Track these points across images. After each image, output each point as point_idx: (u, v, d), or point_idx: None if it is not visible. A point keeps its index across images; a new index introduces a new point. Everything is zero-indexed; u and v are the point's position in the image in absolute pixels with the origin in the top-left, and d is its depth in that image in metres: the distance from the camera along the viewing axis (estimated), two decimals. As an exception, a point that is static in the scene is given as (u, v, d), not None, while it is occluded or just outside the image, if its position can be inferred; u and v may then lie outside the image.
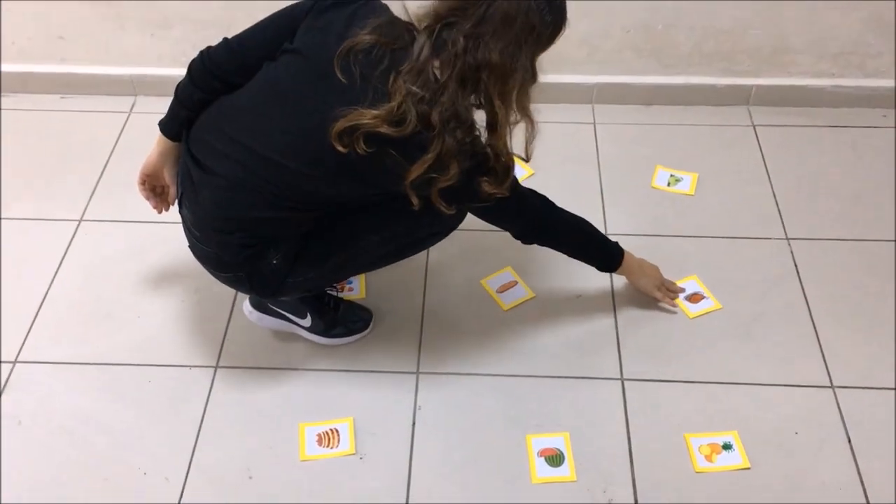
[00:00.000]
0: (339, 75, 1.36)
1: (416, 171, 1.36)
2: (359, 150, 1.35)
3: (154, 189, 1.73)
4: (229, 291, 1.99)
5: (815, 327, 1.90)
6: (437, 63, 1.34)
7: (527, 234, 1.68)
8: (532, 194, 1.64)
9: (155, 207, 1.76)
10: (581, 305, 1.96)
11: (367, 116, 1.33)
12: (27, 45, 2.46)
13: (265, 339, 1.90)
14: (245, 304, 1.88)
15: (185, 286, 2.01)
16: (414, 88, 1.32)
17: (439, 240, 1.75)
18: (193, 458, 1.70)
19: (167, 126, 1.64)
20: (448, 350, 1.87)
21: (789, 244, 2.09)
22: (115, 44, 2.44)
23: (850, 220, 2.14)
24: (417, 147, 1.35)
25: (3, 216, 2.18)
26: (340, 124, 1.34)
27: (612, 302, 1.96)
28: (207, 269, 1.67)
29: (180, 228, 2.11)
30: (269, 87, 1.48)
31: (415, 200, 1.42)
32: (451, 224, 1.69)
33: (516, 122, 1.42)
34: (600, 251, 1.81)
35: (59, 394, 1.80)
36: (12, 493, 1.64)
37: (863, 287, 1.98)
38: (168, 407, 1.78)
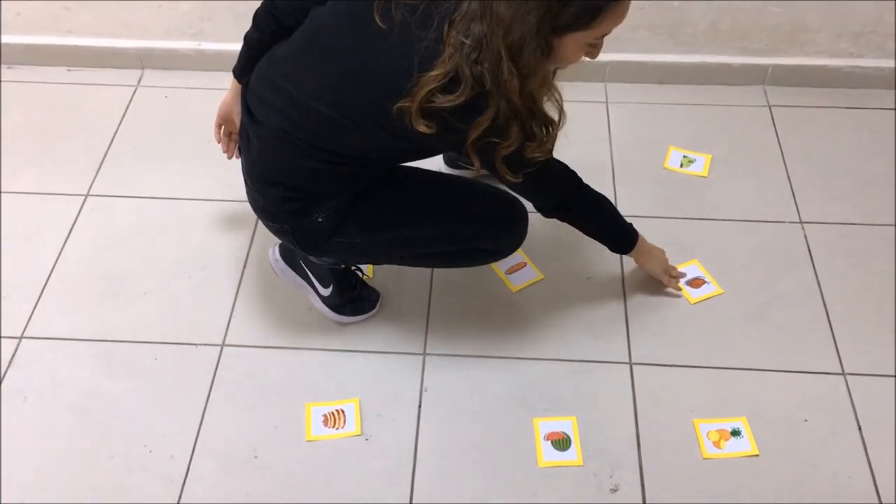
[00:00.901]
0: (377, 21, 1.33)
1: (473, 133, 1.33)
2: (419, 129, 1.32)
3: (230, 135, 1.78)
4: (236, 269, 1.98)
5: (827, 313, 1.87)
6: (479, 14, 1.27)
7: (552, 208, 1.65)
8: (565, 168, 1.62)
9: (225, 151, 1.81)
10: (590, 288, 1.94)
11: (424, 83, 1.29)
12: (33, 16, 2.43)
13: (272, 318, 1.89)
14: (273, 249, 1.86)
15: (192, 263, 2.00)
16: (465, 41, 1.27)
17: (493, 260, 1.80)
18: (199, 437, 1.69)
19: (235, 67, 1.66)
20: (455, 332, 1.86)
21: (803, 228, 2.06)
22: (122, 16, 2.41)
23: (866, 205, 2.10)
24: (475, 109, 1.31)
25: (8, 190, 2.17)
26: (403, 103, 1.31)
27: (622, 285, 1.94)
28: (259, 218, 1.69)
29: (188, 204, 2.13)
30: (311, 32, 1.47)
31: (477, 163, 1.38)
32: (508, 246, 1.71)
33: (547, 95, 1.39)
34: (617, 232, 1.79)
35: (64, 370, 1.80)
36: (17, 469, 1.65)
37: (878, 273, 1.95)
38: (174, 385, 1.78)
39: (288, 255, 1.84)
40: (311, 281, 1.83)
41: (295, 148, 1.50)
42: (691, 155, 2.24)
